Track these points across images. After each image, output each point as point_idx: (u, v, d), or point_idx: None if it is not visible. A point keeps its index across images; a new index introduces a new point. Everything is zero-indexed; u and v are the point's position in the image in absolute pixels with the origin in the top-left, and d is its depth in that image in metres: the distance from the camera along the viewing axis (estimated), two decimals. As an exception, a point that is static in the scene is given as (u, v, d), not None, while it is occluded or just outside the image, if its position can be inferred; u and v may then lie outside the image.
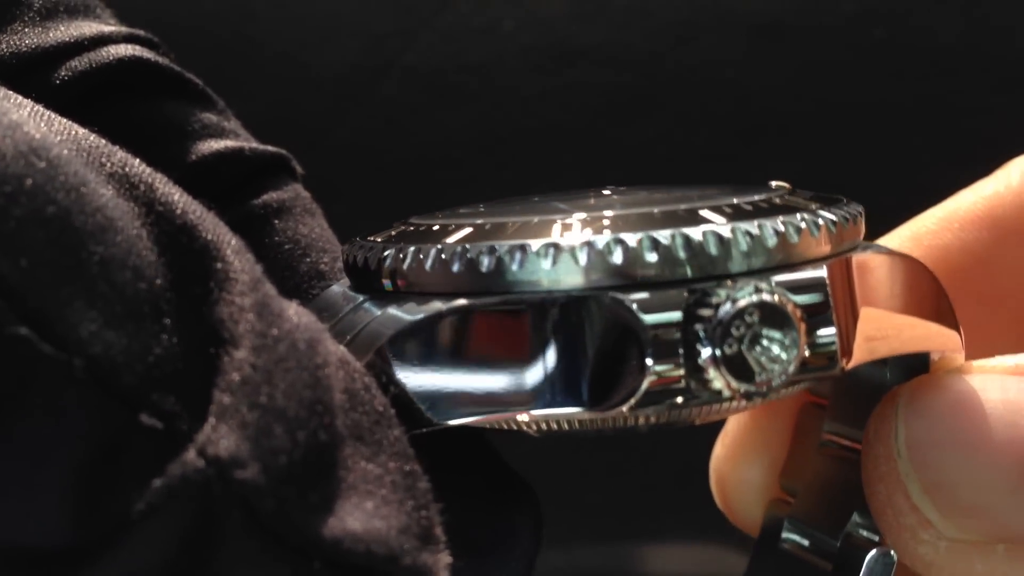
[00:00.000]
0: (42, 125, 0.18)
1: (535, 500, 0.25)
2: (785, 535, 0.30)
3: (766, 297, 0.21)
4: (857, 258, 0.23)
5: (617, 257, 0.20)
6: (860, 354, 0.23)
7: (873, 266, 0.24)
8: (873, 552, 0.25)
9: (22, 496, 0.17)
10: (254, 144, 0.31)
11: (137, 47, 0.31)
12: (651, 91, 0.60)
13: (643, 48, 0.59)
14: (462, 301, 0.21)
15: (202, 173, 0.23)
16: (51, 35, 0.29)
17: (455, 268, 0.21)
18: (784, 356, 0.21)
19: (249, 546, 0.17)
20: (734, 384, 0.21)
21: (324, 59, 0.60)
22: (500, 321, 0.21)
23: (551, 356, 0.21)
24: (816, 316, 0.22)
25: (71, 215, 0.17)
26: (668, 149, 0.60)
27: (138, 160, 0.19)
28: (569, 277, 0.21)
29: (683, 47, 0.57)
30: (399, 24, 0.59)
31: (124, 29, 0.30)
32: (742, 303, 0.21)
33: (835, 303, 0.22)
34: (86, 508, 0.17)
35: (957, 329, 0.25)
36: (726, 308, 0.21)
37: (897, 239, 0.31)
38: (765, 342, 0.21)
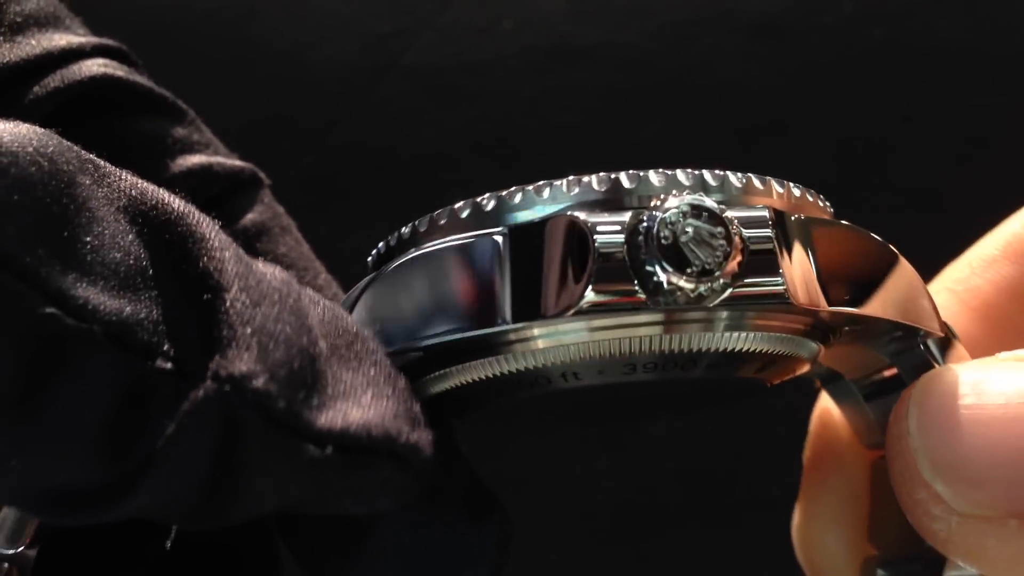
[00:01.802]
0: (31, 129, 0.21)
1: (505, 516, 0.27)
2: None
3: (696, 200, 0.24)
4: (813, 223, 0.25)
5: (574, 188, 0.24)
6: (829, 301, 0.24)
7: (839, 238, 0.26)
8: None
9: (64, 449, 0.20)
10: (223, 160, 0.33)
11: (107, 61, 0.31)
12: (651, 91, 0.60)
13: (643, 48, 0.59)
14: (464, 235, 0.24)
15: (174, 191, 0.25)
16: (22, 49, 0.30)
17: (464, 214, 0.25)
18: (716, 243, 0.23)
19: (270, 444, 0.21)
20: (674, 278, 0.23)
21: (324, 59, 0.60)
22: (479, 250, 0.24)
23: (517, 273, 0.24)
24: (754, 229, 0.24)
25: (68, 212, 0.20)
26: (668, 149, 0.60)
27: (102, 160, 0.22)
28: (543, 208, 0.24)
29: (683, 47, 0.57)
30: (399, 24, 0.59)
31: (94, 40, 0.31)
32: (674, 204, 0.24)
33: (779, 239, 0.24)
34: (121, 449, 0.20)
35: (936, 314, 0.27)
36: (659, 212, 0.23)
37: (932, 290, 0.32)
38: (696, 232, 0.23)
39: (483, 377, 0.25)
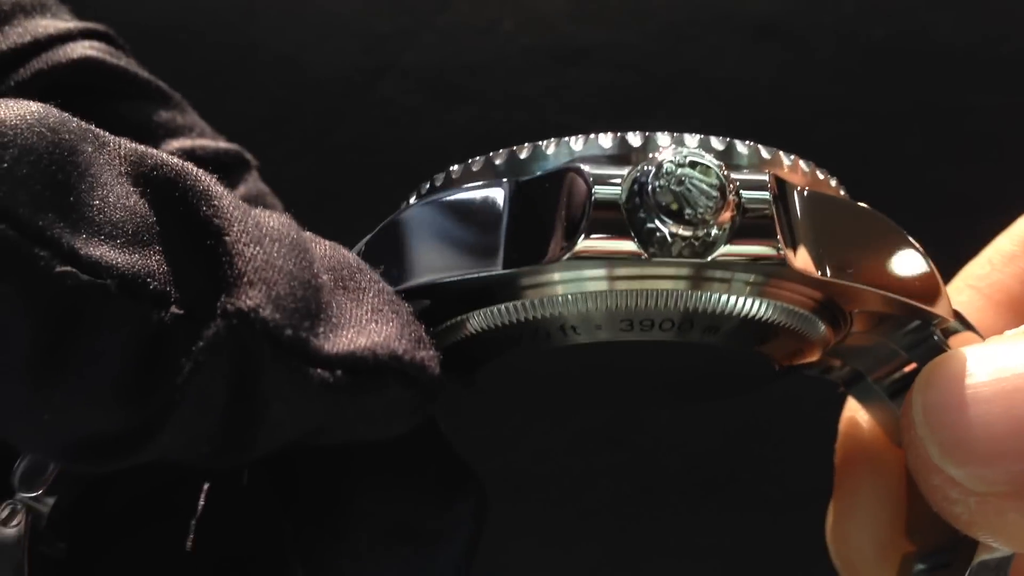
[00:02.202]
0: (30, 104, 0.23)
1: (480, 488, 0.28)
2: None
3: (695, 155, 0.24)
4: (818, 196, 0.26)
5: (581, 144, 0.25)
6: (826, 268, 0.25)
7: (843, 214, 0.26)
8: None
9: (90, 399, 0.21)
10: (206, 142, 0.34)
11: (93, 43, 0.32)
12: (651, 91, 0.59)
13: (643, 48, 0.59)
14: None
15: None
16: (9, 38, 0.30)
17: (476, 168, 0.26)
18: (711, 195, 0.24)
19: (281, 371, 0.22)
20: (667, 226, 0.24)
21: (324, 59, 0.60)
22: (483, 199, 0.25)
23: (517, 221, 0.25)
24: (753, 191, 0.24)
25: (72, 178, 0.21)
26: (668, 149, 0.60)
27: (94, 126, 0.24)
28: (550, 162, 0.25)
29: (683, 47, 0.57)
30: (399, 24, 0.59)
31: (80, 24, 0.31)
32: (672, 156, 0.24)
33: (778, 205, 0.25)
34: (143, 394, 0.21)
35: (947, 298, 0.27)
36: (656, 162, 0.24)
37: (954, 289, 0.31)
38: (691, 183, 0.24)
39: (483, 327, 0.26)
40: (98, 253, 0.21)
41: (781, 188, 0.25)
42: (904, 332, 0.29)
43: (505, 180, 0.25)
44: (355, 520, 0.27)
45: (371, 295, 0.24)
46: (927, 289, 0.27)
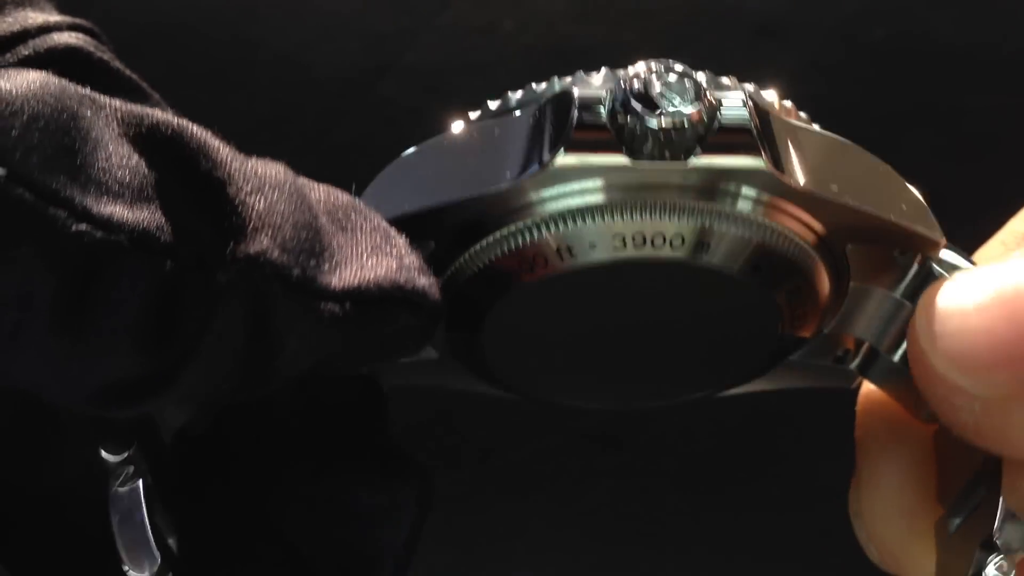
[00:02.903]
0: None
1: (425, 475, 0.30)
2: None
3: (673, 63, 0.26)
4: (798, 127, 0.27)
5: (590, 77, 0.27)
6: (808, 179, 0.26)
7: (828, 144, 0.28)
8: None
9: (114, 348, 0.22)
10: None
11: (80, 35, 0.33)
12: (651, 91, 0.59)
13: (643, 48, 0.59)
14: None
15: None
16: (1, 27, 0.31)
17: (493, 106, 0.27)
18: (685, 88, 0.25)
19: (294, 307, 0.24)
20: (645, 116, 0.25)
21: (324, 59, 0.60)
22: (482, 130, 0.27)
23: (510, 145, 0.26)
24: (731, 111, 0.25)
25: (77, 142, 0.23)
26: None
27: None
28: (558, 87, 0.27)
29: (683, 47, 0.57)
30: (399, 24, 0.59)
31: (68, 19, 0.32)
32: (651, 64, 0.26)
33: (756, 119, 0.26)
34: (163, 340, 0.23)
35: (937, 225, 0.28)
36: (636, 70, 0.25)
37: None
38: (667, 84, 0.25)
39: (482, 264, 0.27)
40: (109, 211, 0.22)
41: (759, 110, 0.26)
42: (906, 282, 0.29)
43: (499, 116, 0.27)
44: (288, 497, 0.28)
45: (368, 231, 0.26)
46: (917, 214, 0.28)
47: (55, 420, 0.28)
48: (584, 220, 0.26)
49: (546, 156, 0.26)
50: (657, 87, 0.25)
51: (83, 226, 0.22)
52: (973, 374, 0.25)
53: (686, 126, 0.25)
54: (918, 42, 0.59)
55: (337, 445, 0.29)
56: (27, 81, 0.23)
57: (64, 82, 0.23)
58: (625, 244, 0.26)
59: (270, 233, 0.24)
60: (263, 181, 0.25)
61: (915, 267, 0.29)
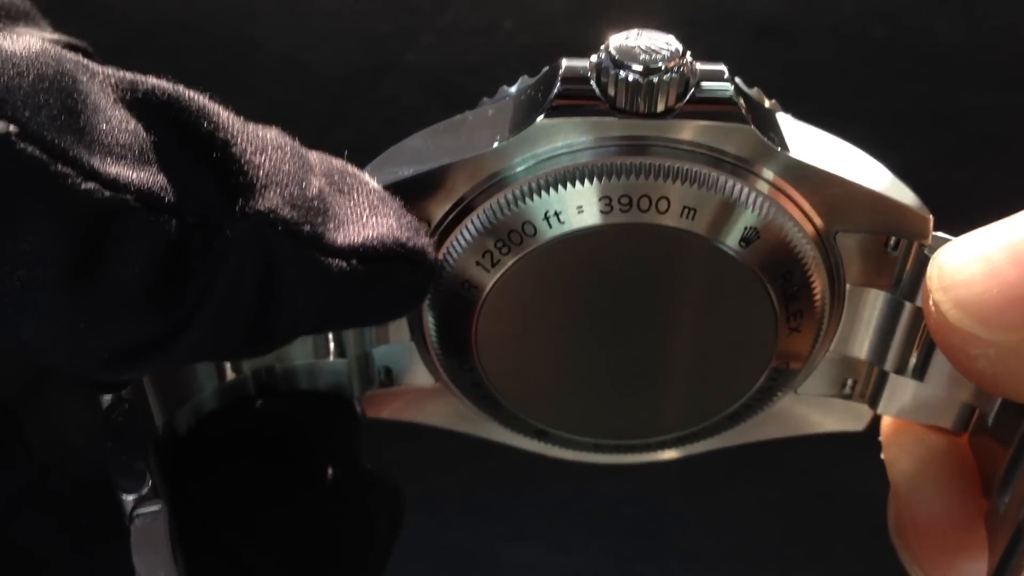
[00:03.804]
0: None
1: (396, 497, 0.31)
2: None
3: (655, 32, 0.27)
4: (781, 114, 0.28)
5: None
6: (790, 148, 0.27)
7: (817, 133, 0.29)
8: None
9: (123, 305, 0.23)
10: None
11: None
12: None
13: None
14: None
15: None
16: None
17: (513, 88, 0.29)
18: (663, 49, 0.27)
19: (303, 263, 0.24)
20: (625, 72, 0.26)
21: (324, 59, 0.60)
22: (491, 104, 0.30)
23: (515, 107, 0.28)
24: (713, 79, 0.27)
25: (79, 104, 0.23)
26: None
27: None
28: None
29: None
30: (399, 24, 0.59)
31: (63, 38, 0.32)
32: (632, 30, 0.27)
33: (742, 95, 0.27)
34: (171, 296, 0.23)
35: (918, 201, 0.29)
36: (618, 35, 0.27)
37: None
38: (647, 47, 0.27)
39: (472, 239, 0.27)
40: (114, 171, 0.22)
41: (746, 93, 0.28)
42: (904, 280, 0.29)
43: (496, 101, 0.29)
44: (248, 518, 0.29)
45: (365, 193, 0.27)
46: (901, 192, 0.29)
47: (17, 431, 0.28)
48: (571, 183, 0.27)
49: (531, 119, 0.27)
50: (636, 45, 0.27)
51: (91, 184, 0.22)
52: (984, 320, 0.25)
53: (663, 69, 0.26)
54: (918, 42, 0.58)
55: (306, 460, 0.30)
56: (28, 43, 0.23)
57: (59, 48, 0.23)
58: (611, 206, 0.26)
59: (278, 191, 0.24)
60: (265, 142, 0.25)
61: (911, 259, 0.29)
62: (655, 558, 0.65)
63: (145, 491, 0.25)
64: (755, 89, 0.29)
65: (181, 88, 0.25)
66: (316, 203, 0.25)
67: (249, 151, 0.24)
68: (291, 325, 0.25)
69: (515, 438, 0.33)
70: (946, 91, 0.58)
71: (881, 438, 0.33)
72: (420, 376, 0.31)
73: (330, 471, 0.30)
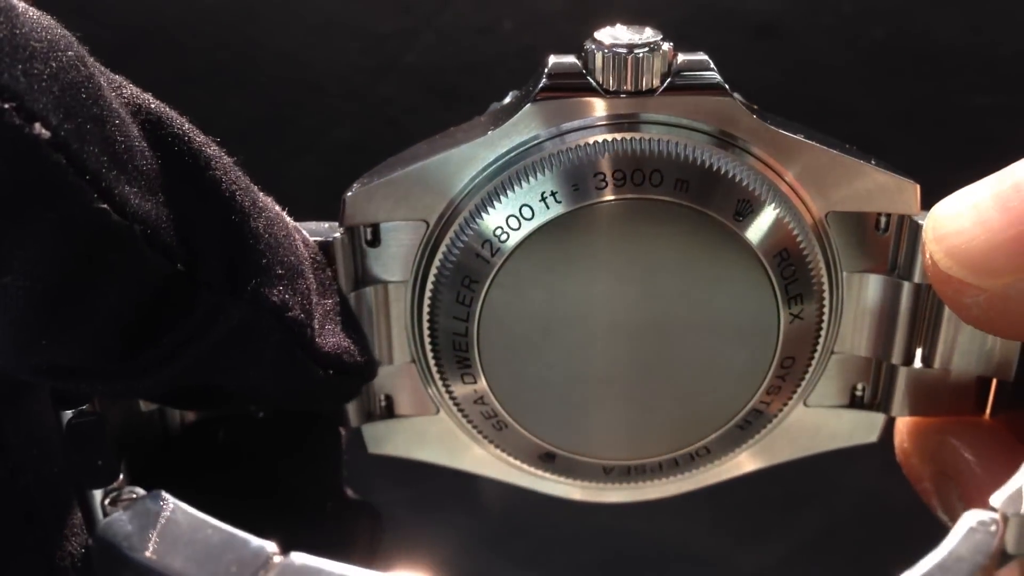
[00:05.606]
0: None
1: (374, 519, 0.32)
2: None
3: (640, 26, 0.28)
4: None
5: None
6: (774, 125, 0.28)
7: (800, 126, 0.29)
8: None
9: (86, 336, 0.21)
10: None
11: None
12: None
13: (643, 48, 0.59)
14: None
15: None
16: None
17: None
18: (647, 36, 0.28)
19: (291, 360, 0.24)
20: (609, 50, 0.28)
21: (324, 59, 0.60)
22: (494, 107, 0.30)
23: (507, 106, 0.29)
24: (696, 64, 0.28)
25: (102, 114, 0.21)
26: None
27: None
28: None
29: (683, 47, 0.57)
30: (399, 24, 0.59)
31: None
32: (620, 29, 0.29)
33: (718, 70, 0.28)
34: (136, 342, 0.22)
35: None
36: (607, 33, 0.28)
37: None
38: (628, 26, 0.28)
39: (473, 230, 0.28)
40: (128, 195, 0.21)
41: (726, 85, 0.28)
42: (900, 260, 0.29)
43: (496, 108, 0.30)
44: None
45: (332, 294, 0.27)
46: (884, 166, 0.29)
47: None
48: (564, 161, 0.27)
49: (521, 106, 0.28)
50: (620, 33, 0.28)
51: (104, 205, 0.20)
52: (972, 266, 0.26)
53: (646, 46, 0.27)
54: (918, 42, 0.58)
55: (307, 507, 0.30)
56: (57, 36, 0.21)
57: (81, 49, 0.22)
58: (606, 182, 0.27)
59: (289, 286, 0.24)
60: (271, 219, 0.25)
61: (904, 236, 0.29)
62: (656, 559, 0.65)
63: (115, 484, 0.25)
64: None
65: (193, 129, 0.24)
66: (310, 305, 0.25)
67: (264, 233, 0.24)
68: (228, 396, 0.25)
69: (519, 472, 0.33)
70: (946, 91, 0.58)
71: (898, 453, 0.33)
72: (420, 404, 0.31)
73: (309, 493, 0.30)
